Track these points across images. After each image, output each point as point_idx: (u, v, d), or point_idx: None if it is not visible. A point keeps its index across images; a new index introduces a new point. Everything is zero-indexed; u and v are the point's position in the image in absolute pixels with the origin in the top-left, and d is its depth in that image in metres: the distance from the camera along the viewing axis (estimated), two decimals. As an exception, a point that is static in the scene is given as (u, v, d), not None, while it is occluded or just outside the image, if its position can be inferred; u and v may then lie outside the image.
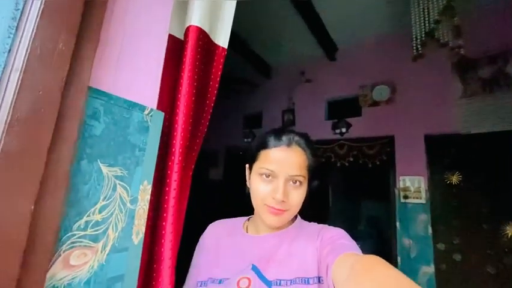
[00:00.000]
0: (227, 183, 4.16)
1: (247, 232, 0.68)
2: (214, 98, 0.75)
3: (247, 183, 0.68)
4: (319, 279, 0.56)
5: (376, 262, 0.41)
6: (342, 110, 3.23)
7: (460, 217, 2.31)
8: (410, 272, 2.36)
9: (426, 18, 1.61)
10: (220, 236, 0.68)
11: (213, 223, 0.74)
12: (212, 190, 4.25)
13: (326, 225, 0.66)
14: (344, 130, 3.09)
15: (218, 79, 0.74)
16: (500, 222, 2.13)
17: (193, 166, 0.74)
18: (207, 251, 0.66)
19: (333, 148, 3.17)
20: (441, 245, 2.33)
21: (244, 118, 4.28)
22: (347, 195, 3.95)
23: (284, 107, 3.74)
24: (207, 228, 0.73)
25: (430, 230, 2.37)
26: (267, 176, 0.59)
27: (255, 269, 0.59)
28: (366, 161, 2.93)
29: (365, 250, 0.50)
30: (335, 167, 3.22)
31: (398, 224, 2.55)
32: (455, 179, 2.36)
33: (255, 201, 0.61)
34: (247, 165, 0.69)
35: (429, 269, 2.31)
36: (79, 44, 0.42)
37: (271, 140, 0.61)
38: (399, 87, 2.82)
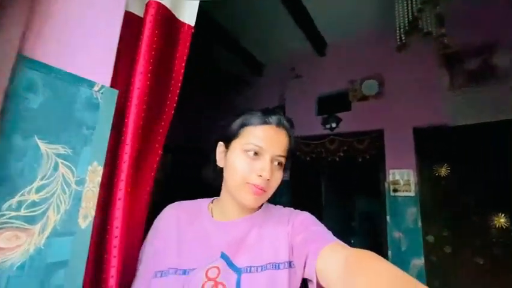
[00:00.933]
0: (219, 181, 4.13)
1: (212, 216, 0.64)
2: (181, 78, 0.71)
3: (219, 162, 0.64)
4: (290, 264, 0.54)
5: (368, 256, 0.41)
6: (332, 105, 3.21)
7: (449, 209, 2.30)
8: (401, 264, 2.33)
9: (410, 7, 1.59)
10: (181, 221, 0.62)
11: (170, 205, 0.67)
12: (204, 188, 4.21)
13: (293, 209, 0.63)
14: (334, 125, 3.07)
15: (185, 57, 0.71)
16: (488, 214, 2.13)
17: (160, 151, 0.71)
18: (165, 237, 0.59)
19: (324, 143, 3.15)
20: (430, 237, 2.32)
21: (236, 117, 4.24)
22: (340, 191, 3.93)
23: (275, 104, 3.72)
24: (163, 211, 0.65)
25: (420, 223, 2.36)
26: (255, 152, 0.56)
27: (224, 256, 0.55)
28: (357, 156, 2.91)
29: (358, 245, 0.48)
30: (326, 162, 3.20)
31: (388, 217, 2.54)
32: (443, 171, 2.35)
33: (234, 178, 0.57)
34: (220, 143, 0.65)
35: (420, 262, 2.30)
36: (2, 9, 0.38)
37: (259, 118, 0.60)
38: (388, 81, 2.82)
